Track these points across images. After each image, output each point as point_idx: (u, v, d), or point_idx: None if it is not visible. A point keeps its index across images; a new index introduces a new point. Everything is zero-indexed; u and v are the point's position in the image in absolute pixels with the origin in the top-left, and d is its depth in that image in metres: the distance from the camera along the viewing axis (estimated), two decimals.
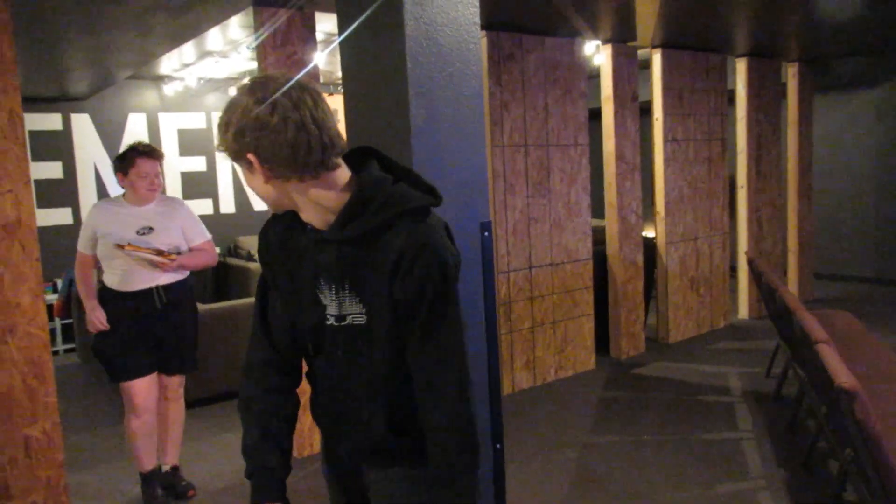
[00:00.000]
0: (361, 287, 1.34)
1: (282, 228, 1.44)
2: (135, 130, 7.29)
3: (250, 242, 7.86)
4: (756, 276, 4.70)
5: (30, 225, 3.17)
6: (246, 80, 1.33)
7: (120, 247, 3.37)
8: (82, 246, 3.51)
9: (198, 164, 7.73)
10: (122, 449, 4.23)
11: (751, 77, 6.55)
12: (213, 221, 7.84)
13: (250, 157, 1.28)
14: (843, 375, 2.06)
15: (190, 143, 7.65)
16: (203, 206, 7.78)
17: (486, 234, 2.06)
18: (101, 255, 3.45)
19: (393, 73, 1.88)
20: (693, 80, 6.06)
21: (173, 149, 7.54)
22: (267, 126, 1.25)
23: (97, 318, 3.40)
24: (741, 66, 6.56)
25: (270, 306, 1.50)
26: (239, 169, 1.37)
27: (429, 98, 1.89)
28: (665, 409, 4.53)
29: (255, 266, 7.34)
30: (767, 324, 6.48)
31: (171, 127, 7.52)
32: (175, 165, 7.57)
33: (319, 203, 1.33)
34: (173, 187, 7.57)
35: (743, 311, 6.88)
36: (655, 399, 4.74)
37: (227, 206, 7.97)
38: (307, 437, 4.05)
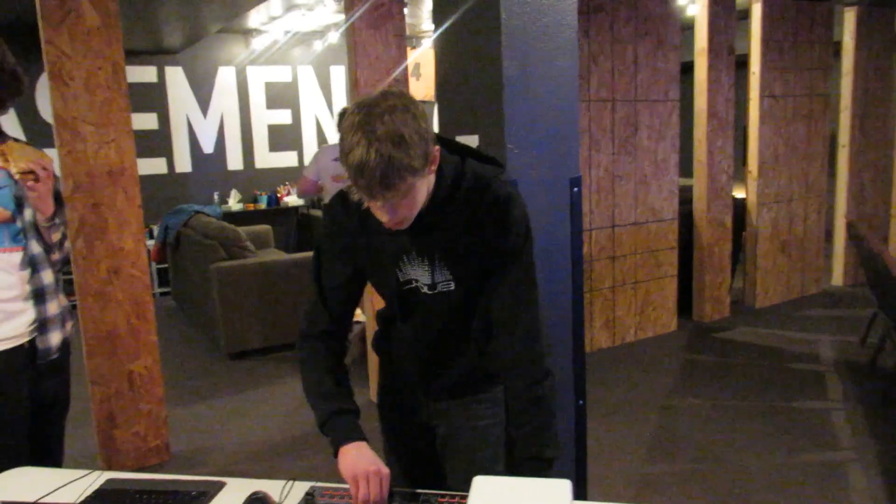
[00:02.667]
0: (451, 256, 1.47)
1: (359, 205, 1.46)
2: (224, 83, 7.50)
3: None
4: (856, 240, 4.45)
5: (132, 172, 3.34)
6: (357, 113, 1.25)
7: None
8: None
9: (283, 116, 7.89)
10: (216, 388, 4.48)
11: (860, 28, 6.10)
12: (297, 174, 8.04)
13: (436, 149, 1.33)
14: None
15: (276, 97, 7.81)
16: (287, 159, 7.98)
17: (576, 189, 2.03)
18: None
19: (486, 23, 1.85)
20: (795, 31, 5.70)
21: (260, 102, 7.72)
22: (425, 117, 1.29)
23: None
24: (850, 16, 6.11)
25: (328, 277, 1.56)
26: (404, 194, 1.28)
27: (522, 49, 1.85)
28: (750, 375, 4.41)
29: None
30: (863, 291, 6.17)
31: (258, 80, 7.69)
32: (262, 118, 7.76)
33: (429, 188, 1.39)
34: (259, 140, 7.78)
35: (837, 278, 6.56)
36: (740, 364, 4.62)
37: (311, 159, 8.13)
38: None
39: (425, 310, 1.53)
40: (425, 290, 1.50)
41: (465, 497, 1.46)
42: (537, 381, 1.47)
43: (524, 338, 1.47)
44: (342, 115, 3.98)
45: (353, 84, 3.78)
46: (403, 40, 3.80)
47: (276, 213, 7.88)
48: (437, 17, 2.03)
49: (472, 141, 1.95)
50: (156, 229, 6.73)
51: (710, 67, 5.23)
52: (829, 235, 6.62)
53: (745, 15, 5.62)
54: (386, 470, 1.38)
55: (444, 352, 1.59)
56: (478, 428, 1.63)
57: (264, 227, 6.96)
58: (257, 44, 7.48)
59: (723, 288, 5.62)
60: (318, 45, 7.68)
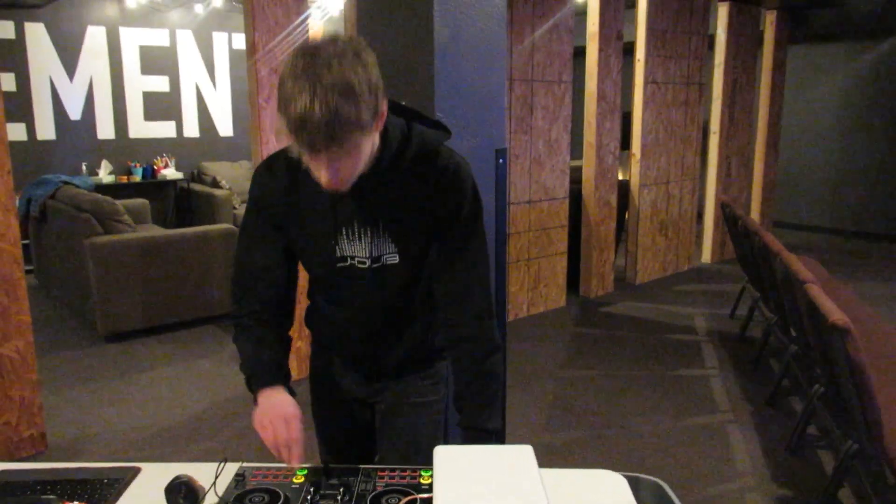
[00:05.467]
0: (396, 227, 1.39)
1: (288, 174, 1.39)
2: (94, 44, 6.90)
3: (214, 168, 7.64)
4: (730, 220, 4.79)
5: (0, 135, 3.00)
6: (301, 57, 1.14)
7: None
8: None
9: (160, 83, 7.39)
10: (93, 373, 4.16)
11: (731, 22, 6.54)
12: (176, 145, 7.59)
13: (384, 105, 1.22)
14: (836, 313, 2.12)
15: (152, 62, 7.29)
16: (165, 129, 7.50)
17: (501, 161, 2.03)
18: None
19: None
20: (676, 21, 6.01)
21: (135, 66, 7.19)
22: (376, 66, 1.19)
23: None
24: (723, 11, 6.53)
25: (253, 257, 1.46)
26: (348, 151, 1.18)
27: (454, 15, 1.82)
28: (635, 346, 4.66)
29: (221, 193, 7.16)
30: (729, 268, 6.68)
31: (132, 43, 7.14)
32: (136, 84, 7.23)
33: (373, 149, 1.29)
34: (134, 107, 7.25)
35: (706, 255, 7.05)
36: (625, 336, 4.87)
37: (192, 129, 7.69)
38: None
39: (363, 288, 1.44)
40: (366, 264, 1.41)
41: (404, 471, 1.42)
42: (488, 354, 1.44)
43: (477, 311, 1.43)
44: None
45: (251, 49, 3.59)
46: (304, 4, 3.65)
47: (153, 187, 7.40)
48: None
49: None
50: (17, 202, 6.11)
51: (601, 52, 5.42)
52: (699, 216, 7.10)
53: (633, 4, 5.85)
54: (291, 411, 1.35)
55: (385, 332, 1.52)
56: (420, 404, 1.59)
57: (140, 202, 6.52)
58: (131, 2, 6.94)
59: (607, 265, 5.89)
60: (199, 9, 7.25)
